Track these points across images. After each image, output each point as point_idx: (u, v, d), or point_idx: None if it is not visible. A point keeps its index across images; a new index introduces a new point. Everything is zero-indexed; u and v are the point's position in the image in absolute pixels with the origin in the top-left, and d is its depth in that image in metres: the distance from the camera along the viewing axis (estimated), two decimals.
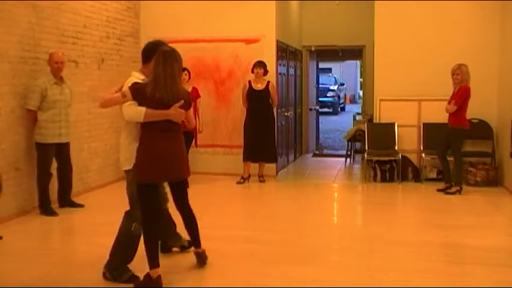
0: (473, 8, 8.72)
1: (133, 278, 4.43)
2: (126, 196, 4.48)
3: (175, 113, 4.24)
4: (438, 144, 8.06)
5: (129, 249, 4.46)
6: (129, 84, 4.25)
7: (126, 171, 4.40)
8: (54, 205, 6.82)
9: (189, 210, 4.71)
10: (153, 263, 4.29)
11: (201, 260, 4.77)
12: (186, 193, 4.70)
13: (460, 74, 7.65)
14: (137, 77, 4.38)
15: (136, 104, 4.18)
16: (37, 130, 6.58)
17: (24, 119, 6.46)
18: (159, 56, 4.21)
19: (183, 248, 5.12)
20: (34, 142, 6.61)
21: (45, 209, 6.64)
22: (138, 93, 4.17)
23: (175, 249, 5.14)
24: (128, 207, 4.48)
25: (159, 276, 4.29)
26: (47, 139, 6.59)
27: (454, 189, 7.82)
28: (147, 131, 4.21)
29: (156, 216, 4.35)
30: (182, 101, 4.28)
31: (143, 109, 4.14)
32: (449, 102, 7.75)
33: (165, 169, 4.25)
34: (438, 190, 7.93)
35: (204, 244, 4.89)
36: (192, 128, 4.77)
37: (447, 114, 7.79)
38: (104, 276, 4.51)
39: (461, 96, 7.62)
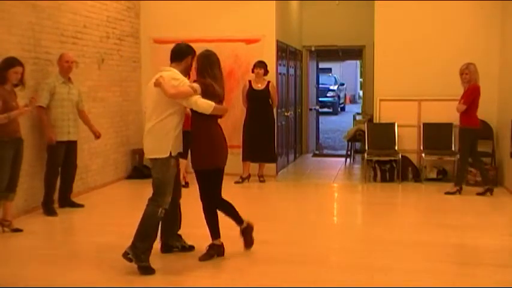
0: (473, 8, 8.72)
1: (149, 268, 4.60)
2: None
3: (227, 107, 5.03)
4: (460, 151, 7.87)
5: (154, 232, 4.74)
6: (194, 81, 4.76)
7: (158, 159, 4.66)
8: (55, 205, 6.81)
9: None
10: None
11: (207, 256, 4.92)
12: None
13: (468, 74, 7.59)
14: (177, 73, 4.76)
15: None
16: (47, 129, 6.62)
17: (25, 119, 6.45)
18: (211, 58, 4.84)
19: (184, 248, 5.13)
20: (45, 141, 6.64)
21: (48, 208, 6.65)
22: (207, 90, 4.71)
23: (175, 249, 5.14)
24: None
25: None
26: (57, 137, 6.64)
27: (454, 189, 7.82)
28: (211, 122, 4.81)
29: (218, 195, 4.93)
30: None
31: (213, 103, 4.68)
32: (459, 102, 7.70)
33: (226, 154, 4.94)
34: (478, 194, 7.67)
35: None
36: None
37: (449, 114, 7.77)
38: (125, 256, 4.60)
39: (469, 95, 7.57)
